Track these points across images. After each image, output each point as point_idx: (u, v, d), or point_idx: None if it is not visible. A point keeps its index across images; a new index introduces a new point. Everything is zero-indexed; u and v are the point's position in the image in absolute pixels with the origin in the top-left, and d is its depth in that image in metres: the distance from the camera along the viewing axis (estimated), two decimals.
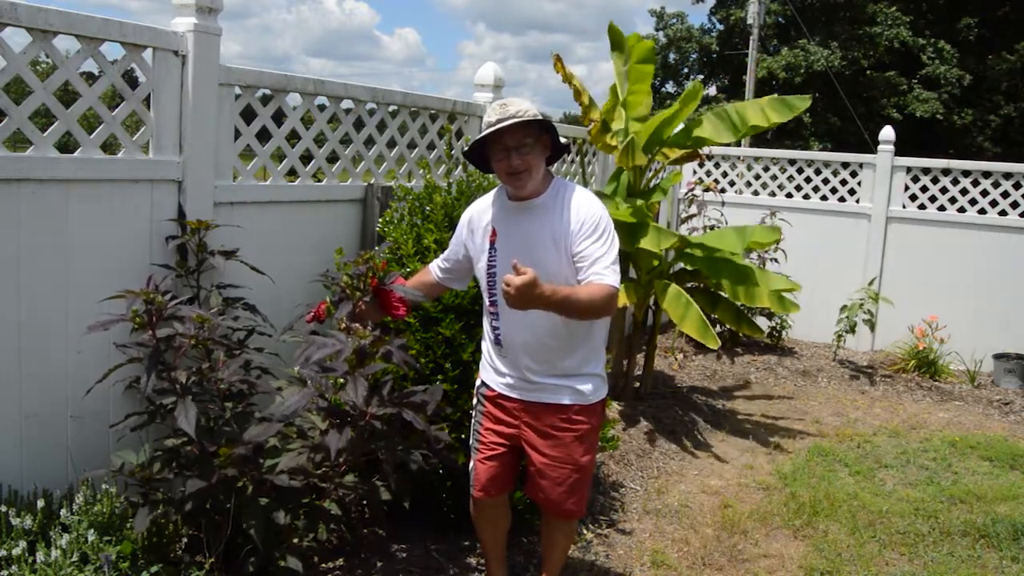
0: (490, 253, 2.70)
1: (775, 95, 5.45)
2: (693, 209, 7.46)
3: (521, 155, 2.56)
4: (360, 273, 2.84)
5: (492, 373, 2.80)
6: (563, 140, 2.75)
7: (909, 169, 7.41)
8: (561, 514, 2.83)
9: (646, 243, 4.86)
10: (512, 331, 2.67)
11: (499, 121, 2.53)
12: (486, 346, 2.83)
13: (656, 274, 5.46)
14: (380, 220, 3.87)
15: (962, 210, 7.24)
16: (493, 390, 2.80)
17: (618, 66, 5.36)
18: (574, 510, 2.82)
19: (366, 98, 3.98)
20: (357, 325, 2.70)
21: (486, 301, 2.75)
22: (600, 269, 2.50)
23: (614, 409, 5.33)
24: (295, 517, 2.85)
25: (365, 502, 3.18)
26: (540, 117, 2.58)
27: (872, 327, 7.04)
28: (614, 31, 5.24)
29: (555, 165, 4.90)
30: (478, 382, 2.90)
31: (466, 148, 2.73)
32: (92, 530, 2.55)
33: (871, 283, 7.21)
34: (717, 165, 8.19)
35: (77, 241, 2.85)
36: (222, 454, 2.59)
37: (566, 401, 2.69)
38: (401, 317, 2.94)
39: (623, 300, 5.05)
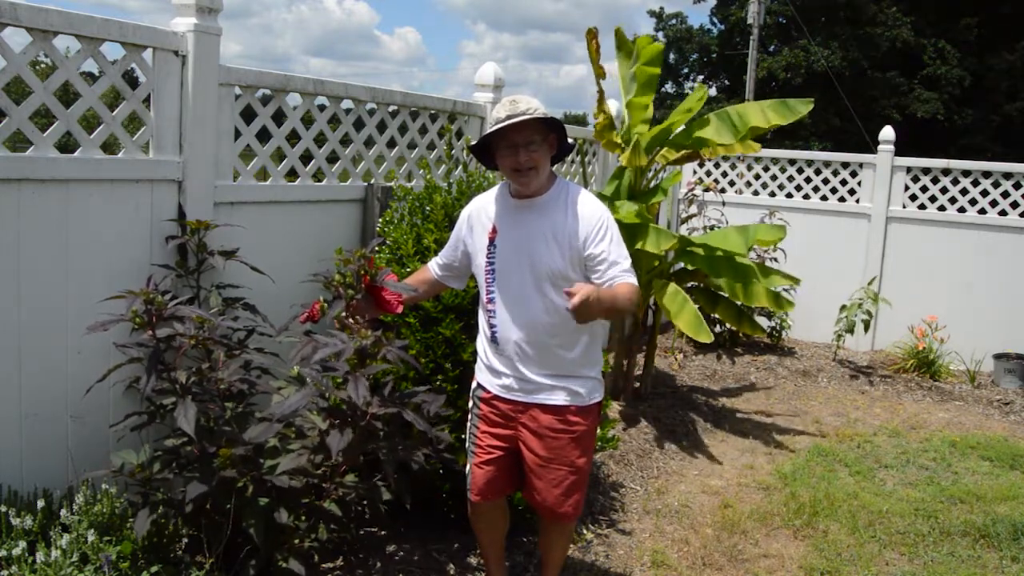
0: (489, 249, 2.70)
1: (777, 98, 5.47)
2: (693, 209, 7.46)
3: (528, 152, 2.57)
4: (352, 271, 2.83)
5: (487, 374, 2.79)
6: (569, 140, 2.75)
7: (909, 169, 7.41)
8: (557, 518, 2.80)
9: (646, 244, 4.86)
10: (508, 328, 2.67)
11: (509, 117, 2.53)
12: (482, 345, 2.82)
13: (656, 273, 5.46)
14: (380, 220, 3.87)
15: (962, 210, 7.24)
16: (489, 392, 2.79)
17: (623, 69, 5.40)
18: (570, 513, 2.79)
19: (366, 98, 3.98)
20: (352, 322, 2.70)
21: (483, 298, 2.75)
22: (619, 272, 2.59)
23: (614, 409, 5.33)
24: (296, 517, 2.84)
25: (365, 502, 3.17)
26: (550, 116, 2.60)
27: (867, 327, 7.01)
28: (620, 35, 5.39)
29: (555, 166, 4.88)
30: (474, 384, 2.89)
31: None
32: (92, 530, 2.55)
33: (870, 283, 7.21)
34: (717, 165, 8.18)
35: (77, 241, 2.85)
36: (222, 455, 2.58)
37: (562, 402, 2.68)
38: (397, 312, 2.93)
39: None
